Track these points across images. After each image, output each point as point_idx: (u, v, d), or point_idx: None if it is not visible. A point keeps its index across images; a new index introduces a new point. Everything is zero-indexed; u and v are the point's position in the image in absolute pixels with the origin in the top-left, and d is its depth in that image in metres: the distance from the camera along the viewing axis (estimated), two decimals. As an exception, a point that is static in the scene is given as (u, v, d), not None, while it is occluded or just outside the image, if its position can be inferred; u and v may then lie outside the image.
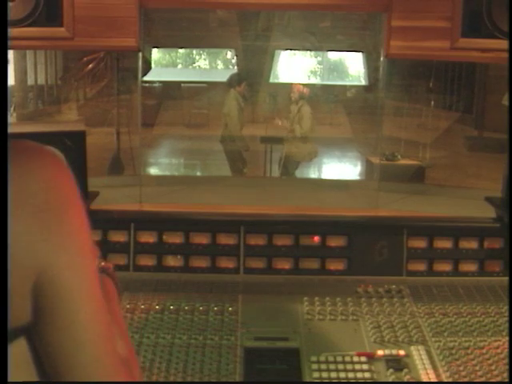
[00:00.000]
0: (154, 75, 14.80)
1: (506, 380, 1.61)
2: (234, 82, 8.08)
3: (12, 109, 11.19)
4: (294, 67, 16.33)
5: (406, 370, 1.64)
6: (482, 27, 1.92)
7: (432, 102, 11.41)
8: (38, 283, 0.86)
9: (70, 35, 1.97)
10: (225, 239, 2.16)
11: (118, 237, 2.15)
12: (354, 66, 17.91)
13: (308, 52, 16.85)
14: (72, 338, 0.88)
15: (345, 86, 15.78)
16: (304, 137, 7.78)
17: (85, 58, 12.62)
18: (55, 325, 0.88)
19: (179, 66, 20.97)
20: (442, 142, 10.36)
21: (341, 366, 1.65)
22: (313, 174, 9.61)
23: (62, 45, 2.05)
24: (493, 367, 1.65)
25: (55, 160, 0.91)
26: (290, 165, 7.91)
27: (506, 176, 2.18)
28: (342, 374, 1.63)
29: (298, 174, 8.10)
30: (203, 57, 20.91)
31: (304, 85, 8.12)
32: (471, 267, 2.16)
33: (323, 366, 1.65)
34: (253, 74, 12.14)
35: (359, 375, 1.62)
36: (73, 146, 2.17)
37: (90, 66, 12.75)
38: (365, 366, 1.65)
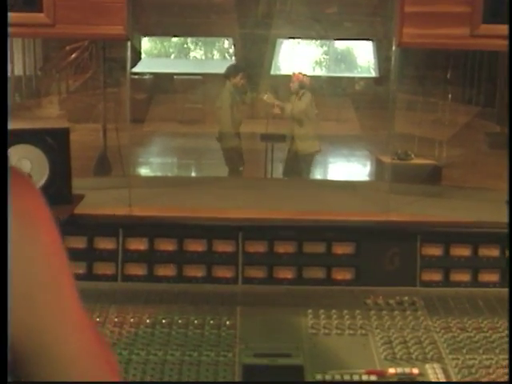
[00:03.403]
0: (145, 66, 14.82)
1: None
2: (229, 73, 8.08)
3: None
4: (298, 57, 16.33)
5: (419, 390, 1.65)
6: (506, 12, 1.89)
7: (449, 95, 11.42)
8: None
9: (51, 22, 1.96)
10: (222, 246, 2.16)
11: (105, 244, 2.15)
12: (363, 56, 17.93)
13: (313, 41, 16.86)
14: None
15: (353, 78, 15.82)
16: (298, 119, 7.72)
17: (67, 47, 12.62)
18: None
19: (172, 56, 20.98)
20: (461, 138, 10.37)
21: (349, 386, 1.66)
22: (318, 175, 9.62)
23: (41, 32, 2.04)
24: (515, 386, 1.65)
25: (24, 187, 0.92)
26: (297, 162, 7.90)
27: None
28: (350, 394, 1.63)
29: (304, 173, 8.11)
30: (198, 46, 20.93)
31: (304, 74, 8.09)
32: (492, 277, 2.16)
33: (329, 385, 1.65)
34: (252, 65, 12.17)
35: (369, 395, 1.63)
36: (55, 144, 2.17)
37: (73, 55, 12.76)
38: (375, 385, 1.66)
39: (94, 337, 0.98)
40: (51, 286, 0.93)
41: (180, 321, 1.92)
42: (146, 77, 13.80)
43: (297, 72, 8.10)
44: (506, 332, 1.89)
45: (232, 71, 8.12)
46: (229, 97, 7.86)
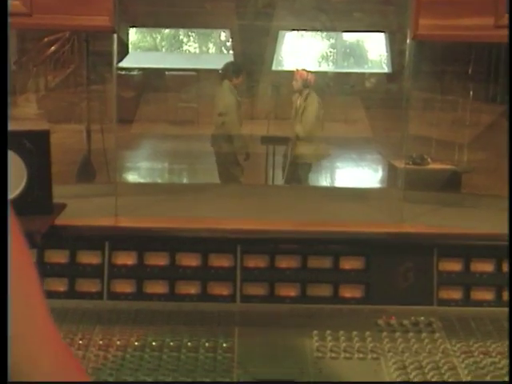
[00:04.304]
0: (133, 61, 14.86)
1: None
2: (229, 72, 8.00)
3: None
4: (302, 52, 16.37)
5: (437, 420, 1.65)
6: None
7: (471, 93, 11.42)
8: None
9: (28, 10, 1.96)
10: (218, 261, 2.17)
11: (89, 258, 2.16)
12: (374, 50, 17.97)
13: (318, 33, 16.89)
14: None
15: (363, 74, 15.86)
16: (308, 136, 7.75)
17: (46, 39, 12.62)
18: None
19: (163, 49, 21.04)
20: (483, 141, 10.36)
21: (358, 415, 1.66)
22: (324, 181, 9.63)
23: (17, 22, 2.04)
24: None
25: None
26: (299, 168, 7.90)
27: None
28: (360, 425, 1.63)
29: (309, 179, 8.11)
30: (192, 39, 20.97)
31: (309, 71, 8.08)
32: (517, 295, 2.16)
33: (337, 415, 1.66)
34: (252, 61, 12.19)
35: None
36: (34, 148, 2.18)
37: (53, 48, 12.77)
38: (387, 415, 1.66)
39: (64, 348, 1.03)
40: (19, 295, 0.96)
41: (172, 343, 1.93)
42: (134, 73, 13.84)
43: (300, 69, 8.07)
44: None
45: (232, 71, 8.03)
46: (234, 100, 7.78)
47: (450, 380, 1.79)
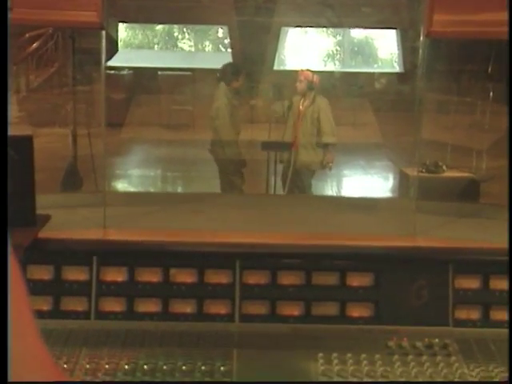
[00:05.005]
0: (123, 60, 14.89)
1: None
2: (227, 75, 7.98)
3: None
4: (306, 50, 16.41)
5: None
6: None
7: (490, 94, 11.40)
8: None
9: (8, 5, 1.97)
10: (215, 277, 2.17)
11: (75, 274, 2.16)
12: (384, 48, 18.02)
13: (324, 30, 16.94)
14: None
15: (372, 74, 15.86)
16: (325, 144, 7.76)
17: (27, 34, 12.61)
18: None
19: (155, 47, 21.10)
20: (504, 147, 10.32)
21: None
22: (330, 191, 9.63)
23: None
24: None
25: None
26: (302, 176, 7.90)
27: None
28: None
29: (313, 188, 8.11)
30: (187, 36, 21.03)
31: (314, 72, 8.08)
32: (540, 315, 2.16)
33: None
34: (252, 60, 12.20)
35: None
36: (16, 155, 2.18)
37: (35, 44, 12.76)
38: None
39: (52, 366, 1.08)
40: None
41: (165, 367, 1.93)
42: (125, 72, 13.85)
43: (305, 69, 8.07)
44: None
45: (230, 73, 8.01)
46: (228, 106, 7.78)
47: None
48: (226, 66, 8.32)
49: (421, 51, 2.46)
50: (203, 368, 1.92)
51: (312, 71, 8.03)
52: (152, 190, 10.20)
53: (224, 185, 8.06)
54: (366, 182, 10.66)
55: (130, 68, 14.29)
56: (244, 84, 8.03)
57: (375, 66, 18.57)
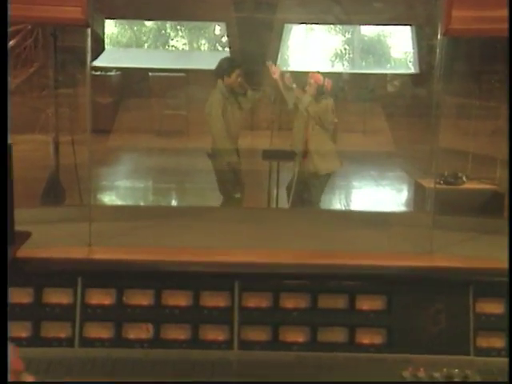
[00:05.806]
0: (110, 59, 14.92)
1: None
2: (221, 70, 8.07)
3: None
4: (312, 49, 16.45)
5: None
6: None
7: (516, 98, 11.43)
8: None
9: (-17, -1, 1.97)
10: (212, 300, 2.17)
11: (58, 297, 2.16)
12: (398, 47, 18.06)
13: (331, 27, 16.98)
14: None
15: (384, 76, 15.87)
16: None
17: (3, 30, 12.66)
18: None
19: (145, 46, 21.13)
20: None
21: None
22: (338, 204, 9.63)
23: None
24: None
25: None
26: (307, 188, 7.92)
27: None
28: None
29: (319, 201, 8.11)
30: (180, 33, 21.07)
31: (325, 75, 8.10)
32: None
33: None
34: (252, 59, 12.22)
35: None
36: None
37: (12, 42, 12.78)
38: None
39: None
40: None
41: (156, 399, 1.93)
42: (112, 73, 13.88)
43: (315, 71, 8.08)
44: None
45: (225, 68, 8.08)
46: (221, 101, 7.84)
47: None
48: (220, 62, 8.40)
49: (438, 50, 2.47)
50: (198, 400, 1.93)
51: (323, 74, 8.04)
52: (142, 203, 10.20)
53: (222, 195, 8.08)
54: (377, 195, 10.66)
55: (117, 69, 14.31)
56: (240, 80, 8.04)
57: (388, 66, 18.59)
